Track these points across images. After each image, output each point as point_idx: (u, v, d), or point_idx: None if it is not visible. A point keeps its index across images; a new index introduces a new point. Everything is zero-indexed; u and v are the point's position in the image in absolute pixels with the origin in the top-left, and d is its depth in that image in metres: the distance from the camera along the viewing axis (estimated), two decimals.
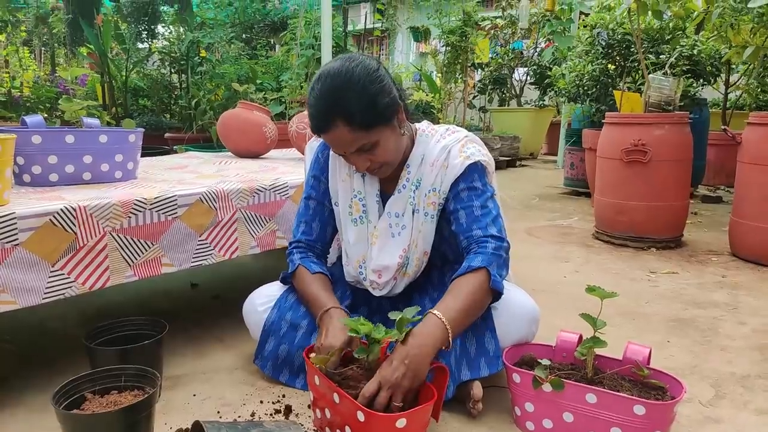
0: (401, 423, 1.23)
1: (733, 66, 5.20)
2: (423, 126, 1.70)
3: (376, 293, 1.71)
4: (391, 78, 1.51)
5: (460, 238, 1.56)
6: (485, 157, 1.63)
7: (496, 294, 1.49)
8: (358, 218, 1.69)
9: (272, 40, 8.71)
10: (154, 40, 8.28)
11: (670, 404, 1.29)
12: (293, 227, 1.81)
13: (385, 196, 1.69)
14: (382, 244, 1.65)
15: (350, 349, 1.44)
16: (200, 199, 1.80)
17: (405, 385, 1.29)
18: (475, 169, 1.59)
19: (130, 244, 1.64)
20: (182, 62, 7.74)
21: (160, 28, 8.58)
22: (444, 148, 1.61)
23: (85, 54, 7.37)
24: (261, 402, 1.60)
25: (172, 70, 8.41)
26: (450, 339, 1.37)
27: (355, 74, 1.42)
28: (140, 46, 8.16)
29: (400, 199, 1.65)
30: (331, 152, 1.72)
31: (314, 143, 1.84)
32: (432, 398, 1.31)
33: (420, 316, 1.37)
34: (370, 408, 1.26)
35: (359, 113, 1.40)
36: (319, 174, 1.76)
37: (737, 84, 5.30)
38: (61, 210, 1.48)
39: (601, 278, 2.85)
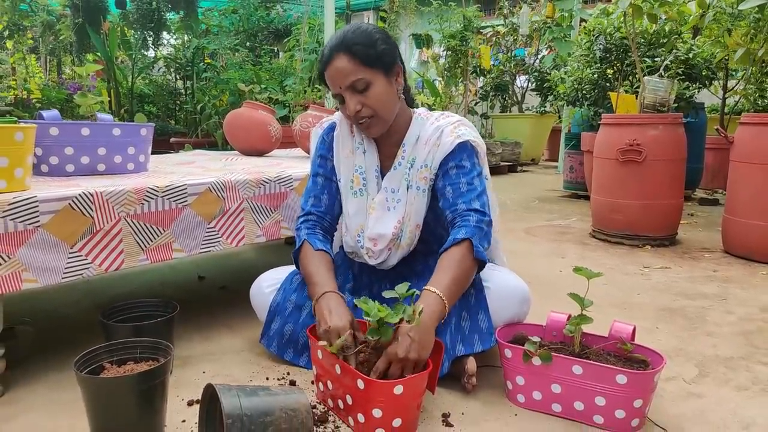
0: (398, 389, 1.31)
1: (732, 72, 5.28)
2: (420, 110, 1.82)
3: (371, 262, 1.80)
4: (397, 47, 1.69)
5: (446, 213, 1.66)
6: (476, 138, 1.73)
7: (481, 264, 1.58)
8: (358, 191, 1.80)
9: (276, 48, 8.82)
10: (159, 47, 8.40)
11: (650, 373, 1.37)
12: (302, 203, 1.87)
13: (383, 172, 1.80)
14: (378, 215, 1.76)
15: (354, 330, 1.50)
16: (209, 189, 1.89)
17: (412, 358, 1.36)
18: (465, 149, 1.69)
19: (143, 229, 1.73)
20: (187, 68, 7.86)
21: (165, 35, 8.70)
22: (437, 128, 1.72)
23: (91, 61, 7.51)
24: (267, 378, 1.69)
25: (178, 77, 8.54)
26: (447, 309, 1.46)
27: (365, 24, 1.64)
28: (146, 52, 8.29)
29: (396, 175, 1.75)
30: (335, 133, 1.84)
31: (319, 129, 1.95)
32: (428, 368, 1.39)
33: (414, 290, 1.45)
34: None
35: (360, 48, 1.59)
36: (326, 153, 1.86)
37: (735, 89, 5.37)
38: (80, 195, 1.58)
39: None
